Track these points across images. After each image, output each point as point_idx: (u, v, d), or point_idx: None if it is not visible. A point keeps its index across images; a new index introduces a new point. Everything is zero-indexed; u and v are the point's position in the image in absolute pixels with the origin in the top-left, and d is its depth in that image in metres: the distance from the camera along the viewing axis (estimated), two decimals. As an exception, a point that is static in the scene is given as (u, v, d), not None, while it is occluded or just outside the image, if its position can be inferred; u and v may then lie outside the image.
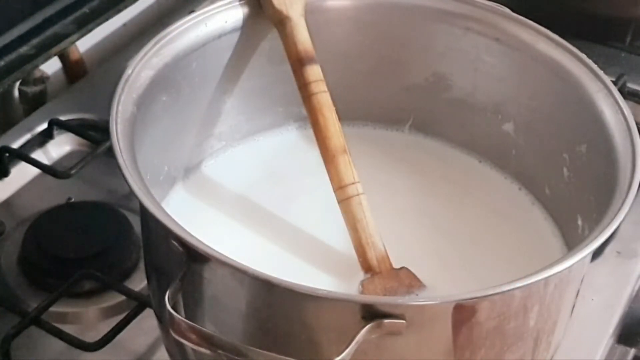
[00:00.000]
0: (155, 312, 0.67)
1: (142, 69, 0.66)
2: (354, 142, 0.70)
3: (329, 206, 0.68)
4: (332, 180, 0.69)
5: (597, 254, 0.81)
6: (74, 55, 1.01)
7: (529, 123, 0.74)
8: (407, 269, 0.66)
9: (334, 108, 0.70)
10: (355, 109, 0.78)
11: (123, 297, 0.76)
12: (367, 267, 0.66)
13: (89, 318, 0.77)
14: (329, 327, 0.56)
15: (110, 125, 0.61)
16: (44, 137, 0.91)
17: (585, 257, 0.58)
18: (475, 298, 0.55)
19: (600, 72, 0.69)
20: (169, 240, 0.57)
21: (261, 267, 0.55)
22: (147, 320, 0.73)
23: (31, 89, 0.98)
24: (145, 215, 0.63)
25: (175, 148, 0.73)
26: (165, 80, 0.68)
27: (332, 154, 0.69)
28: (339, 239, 0.68)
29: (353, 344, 0.53)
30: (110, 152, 0.61)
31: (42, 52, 0.88)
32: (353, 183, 0.68)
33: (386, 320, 0.54)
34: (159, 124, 0.68)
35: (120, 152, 0.60)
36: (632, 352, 0.87)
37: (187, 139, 0.74)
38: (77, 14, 0.92)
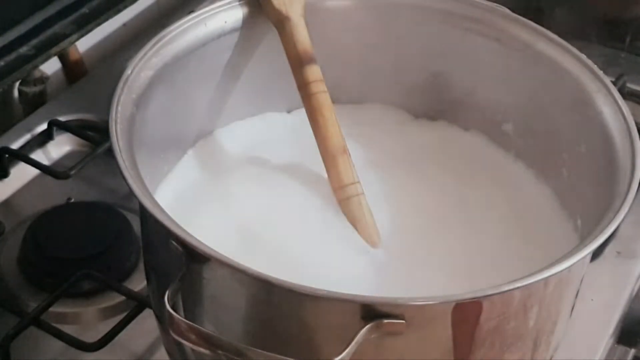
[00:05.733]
0: (154, 312, 0.67)
1: (141, 69, 0.66)
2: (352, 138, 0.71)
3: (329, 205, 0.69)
4: (332, 180, 0.69)
5: (597, 254, 0.81)
6: (73, 56, 1.01)
7: (529, 123, 0.74)
8: None
9: (333, 108, 0.70)
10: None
11: (122, 298, 0.76)
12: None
13: (88, 318, 0.77)
14: (329, 327, 0.56)
15: (110, 125, 0.61)
16: (44, 138, 0.91)
17: (584, 257, 0.57)
18: (475, 298, 0.55)
19: (600, 72, 0.69)
20: (169, 241, 0.57)
21: (263, 263, 0.55)
22: (146, 321, 0.73)
23: (31, 89, 0.98)
24: (145, 216, 0.63)
25: (175, 148, 0.73)
26: (164, 81, 0.68)
27: (332, 154, 0.69)
28: (343, 232, 0.68)
29: (353, 344, 0.53)
30: (109, 153, 0.61)
31: (41, 52, 0.88)
32: (353, 183, 0.69)
33: (386, 320, 0.54)
34: (158, 124, 0.68)
35: (120, 153, 0.60)
36: (632, 352, 0.87)
37: (187, 140, 0.74)
38: (77, 14, 0.91)
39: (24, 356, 0.73)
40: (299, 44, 0.71)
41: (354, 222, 0.68)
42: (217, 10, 0.71)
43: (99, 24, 0.93)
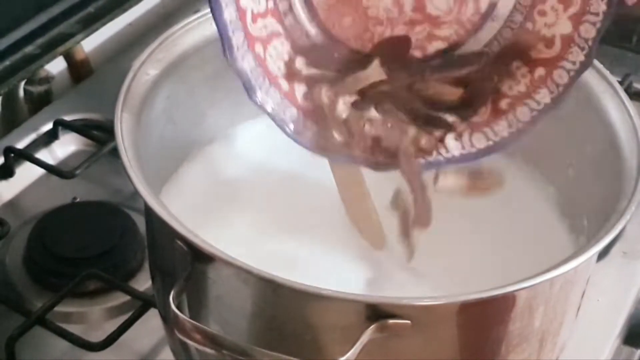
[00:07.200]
0: (159, 312, 0.67)
1: (147, 68, 0.66)
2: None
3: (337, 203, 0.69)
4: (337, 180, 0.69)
5: (603, 254, 0.81)
6: (79, 55, 1.02)
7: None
8: None
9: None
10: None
11: (128, 297, 0.76)
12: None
13: (93, 318, 0.77)
14: (334, 327, 0.56)
15: (115, 125, 0.61)
16: (49, 137, 0.91)
17: (591, 257, 0.57)
18: (481, 298, 0.55)
19: (606, 72, 0.69)
20: (174, 240, 0.57)
21: (268, 265, 0.55)
22: (151, 320, 0.73)
23: (36, 89, 0.98)
24: (150, 215, 0.63)
25: (181, 148, 0.73)
26: (170, 80, 0.68)
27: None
28: (347, 233, 0.68)
29: (358, 344, 0.53)
30: (115, 152, 0.61)
31: (47, 51, 0.88)
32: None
33: (391, 321, 0.54)
34: (164, 124, 0.68)
35: (125, 152, 0.60)
36: (638, 353, 0.87)
37: (193, 139, 0.74)
38: (83, 13, 0.92)
39: (29, 356, 0.73)
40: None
41: (359, 223, 0.68)
42: (223, 9, 0.71)
43: (104, 24, 0.93)
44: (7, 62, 0.86)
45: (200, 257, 0.56)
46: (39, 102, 0.98)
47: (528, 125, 0.64)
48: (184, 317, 0.54)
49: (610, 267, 0.82)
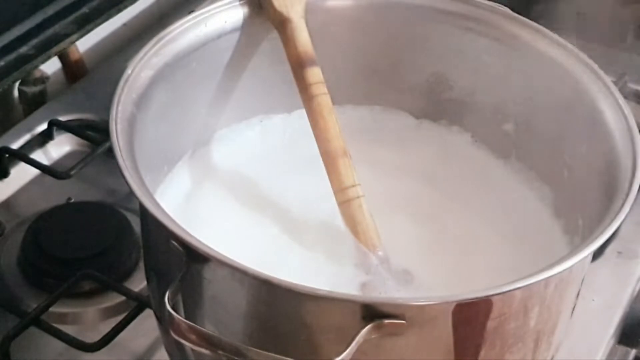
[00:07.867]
0: (154, 312, 0.67)
1: (142, 68, 0.66)
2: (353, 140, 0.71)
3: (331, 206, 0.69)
4: (332, 182, 0.69)
5: (597, 254, 0.81)
6: (73, 55, 1.01)
7: (529, 123, 0.74)
8: None
9: (334, 110, 0.70)
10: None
11: (123, 298, 0.76)
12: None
13: (88, 318, 0.77)
14: (329, 328, 0.56)
15: (110, 125, 0.61)
16: (44, 138, 0.91)
17: (585, 257, 0.57)
18: (476, 298, 0.55)
19: (601, 72, 0.69)
20: (169, 241, 0.57)
21: (262, 267, 0.55)
22: (146, 321, 0.73)
23: (31, 89, 0.98)
24: (145, 216, 0.63)
25: (176, 149, 0.73)
26: (165, 80, 0.68)
27: (333, 157, 0.69)
28: (341, 235, 0.68)
29: (353, 344, 0.53)
30: (110, 153, 0.61)
31: (42, 52, 0.88)
32: (353, 185, 0.68)
33: (386, 321, 0.54)
34: (158, 124, 0.68)
35: (120, 153, 0.60)
36: (633, 352, 0.87)
37: (188, 140, 0.74)
38: (77, 13, 0.91)
39: (24, 356, 0.73)
40: (300, 46, 0.70)
41: (353, 224, 0.68)
42: (218, 10, 0.71)
43: (99, 24, 0.93)
44: (1, 63, 0.85)
45: (195, 258, 0.56)
46: (34, 103, 0.98)
47: None
48: (179, 317, 0.54)
49: (605, 267, 0.82)
